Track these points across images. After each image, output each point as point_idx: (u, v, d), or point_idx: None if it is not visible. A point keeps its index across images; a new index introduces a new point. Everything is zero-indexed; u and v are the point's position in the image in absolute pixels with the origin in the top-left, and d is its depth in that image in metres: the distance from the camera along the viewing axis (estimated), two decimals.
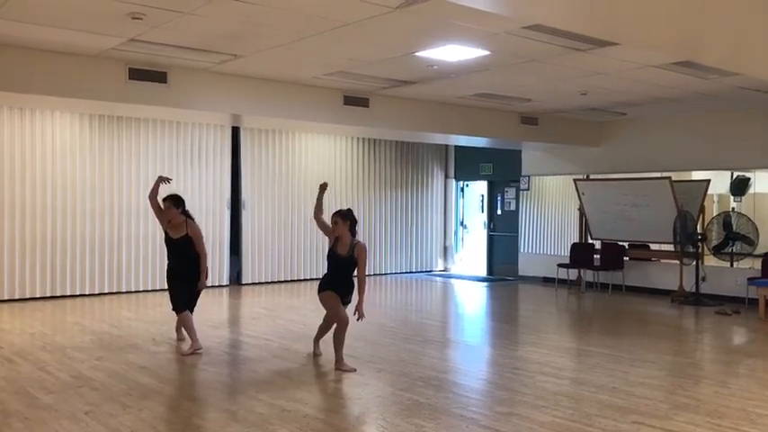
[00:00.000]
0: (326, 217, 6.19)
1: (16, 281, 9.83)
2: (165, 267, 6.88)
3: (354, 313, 5.91)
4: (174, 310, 6.78)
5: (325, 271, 6.20)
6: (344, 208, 6.20)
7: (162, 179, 6.79)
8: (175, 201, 6.70)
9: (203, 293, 6.89)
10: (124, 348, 6.85)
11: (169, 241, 6.72)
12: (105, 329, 7.88)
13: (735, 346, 7.94)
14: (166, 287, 6.92)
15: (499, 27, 6.18)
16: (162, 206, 6.70)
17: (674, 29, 5.58)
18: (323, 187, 6.22)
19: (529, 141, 11.85)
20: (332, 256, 6.07)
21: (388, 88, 9.23)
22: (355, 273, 6.03)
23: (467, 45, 6.87)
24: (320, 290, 6.13)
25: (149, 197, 6.77)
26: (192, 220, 6.82)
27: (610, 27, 5.36)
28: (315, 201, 6.22)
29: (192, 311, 6.79)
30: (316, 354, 6.51)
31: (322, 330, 6.46)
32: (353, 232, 6.06)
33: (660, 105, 10.35)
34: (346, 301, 6.11)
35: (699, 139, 11.09)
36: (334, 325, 6.12)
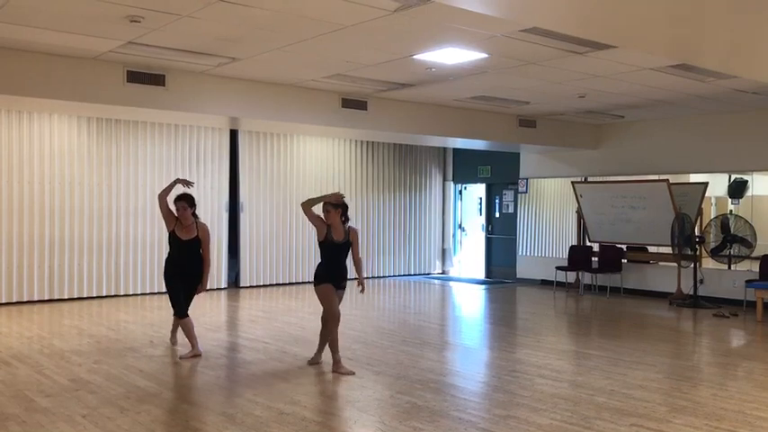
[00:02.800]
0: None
1: (14, 284, 9.82)
2: (166, 268, 6.74)
3: (358, 286, 6.17)
4: (176, 314, 6.70)
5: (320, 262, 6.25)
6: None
7: (183, 182, 6.68)
8: (190, 201, 6.61)
9: (202, 296, 6.85)
10: (122, 352, 6.84)
11: (176, 242, 6.61)
12: (103, 333, 7.87)
13: (733, 349, 7.94)
14: (166, 288, 6.77)
15: (497, 30, 6.20)
16: (171, 207, 6.61)
17: (671, 31, 5.58)
18: (336, 197, 6.15)
19: (527, 144, 11.85)
20: (328, 243, 6.10)
21: (386, 91, 9.24)
22: (350, 257, 6.19)
23: (464, 48, 6.88)
24: (317, 282, 6.16)
25: (160, 196, 6.63)
26: (198, 219, 6.77)
27: (607, 30, 5.36)
28: (316, 196, 6.26)
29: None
30: (317, 362, 6.44)
31: (323, 337, 6.38)
32: (346, 218, 6.18)
33: (658, 108, 10.37)
34: (342, 286, 6.21)
35: (696, 141, 11.11)
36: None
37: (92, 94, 7.71)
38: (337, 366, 6.03)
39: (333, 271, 6.13)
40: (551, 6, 4.88)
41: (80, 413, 4.82)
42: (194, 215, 6.69)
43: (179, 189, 6.75)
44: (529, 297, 11.73)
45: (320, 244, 6.17)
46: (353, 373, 5.96)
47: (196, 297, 6.88)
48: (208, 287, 10.96)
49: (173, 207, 6.64)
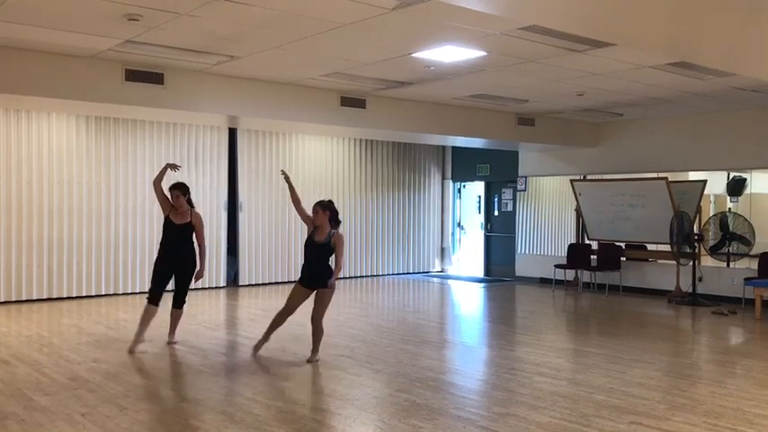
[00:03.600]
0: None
1: (12, 283, 9.82)
2: (157, 257, 6.92)
3: (330, 280, 6.24)
4: (147, 300, 6.82)
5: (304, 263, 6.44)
6: (326, 199, 6.42)
7: (171, 166, 6.90)
8: (184, 190, 6.84)
9: (201, 295, 6.88)
10: (121, 350, 6.83)
11: (170, 225, 6.82)
12: (102, 331, 7.87)
13: (731, 347, 7.95)
14: (153, 271, 6.96)
15: (495, 28, 6.19)
16: (167, 194, 6.82)
17: (669, 29, 5.59)
18: (285, 177, 6.52)
19: (526, 142, 11.86)
20: (309, 242, 6.27)
21: (385, 89, 9.24)
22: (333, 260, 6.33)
23: (463, 46, 6.87)
24: (297, 281, 6.43)
25: (154, 182, 6.88)
26: (194, 208, 6.97)
27: (606, 28, 5.36)
28: (289, 191, 6.50)
29: (182, 306, 6.93)
30: (314, 360, 6.45)
31: (315, 337, 6.45)
32: (334, 222, 6.29)
33: (656, 106, 10.37)
34: (326, 285, 6.24)
35: (695, 139, 11.11)
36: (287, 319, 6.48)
37: (90, 92, 7.71)
38: (255, 349, 6.45)
39: (308, 271, 6.32)
40: (550, 4, 4.88)
41: (79, 412, 4.82)
42: (189, 202, 6.91)
43: (171, 175, 6.96)
44: (528, 295, 11.73)
45: (304, 244, 6.36)
46: (267, 371, 6.02)
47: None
48: (207, 285, 11.05)
49: (167, 194, 6.87)
